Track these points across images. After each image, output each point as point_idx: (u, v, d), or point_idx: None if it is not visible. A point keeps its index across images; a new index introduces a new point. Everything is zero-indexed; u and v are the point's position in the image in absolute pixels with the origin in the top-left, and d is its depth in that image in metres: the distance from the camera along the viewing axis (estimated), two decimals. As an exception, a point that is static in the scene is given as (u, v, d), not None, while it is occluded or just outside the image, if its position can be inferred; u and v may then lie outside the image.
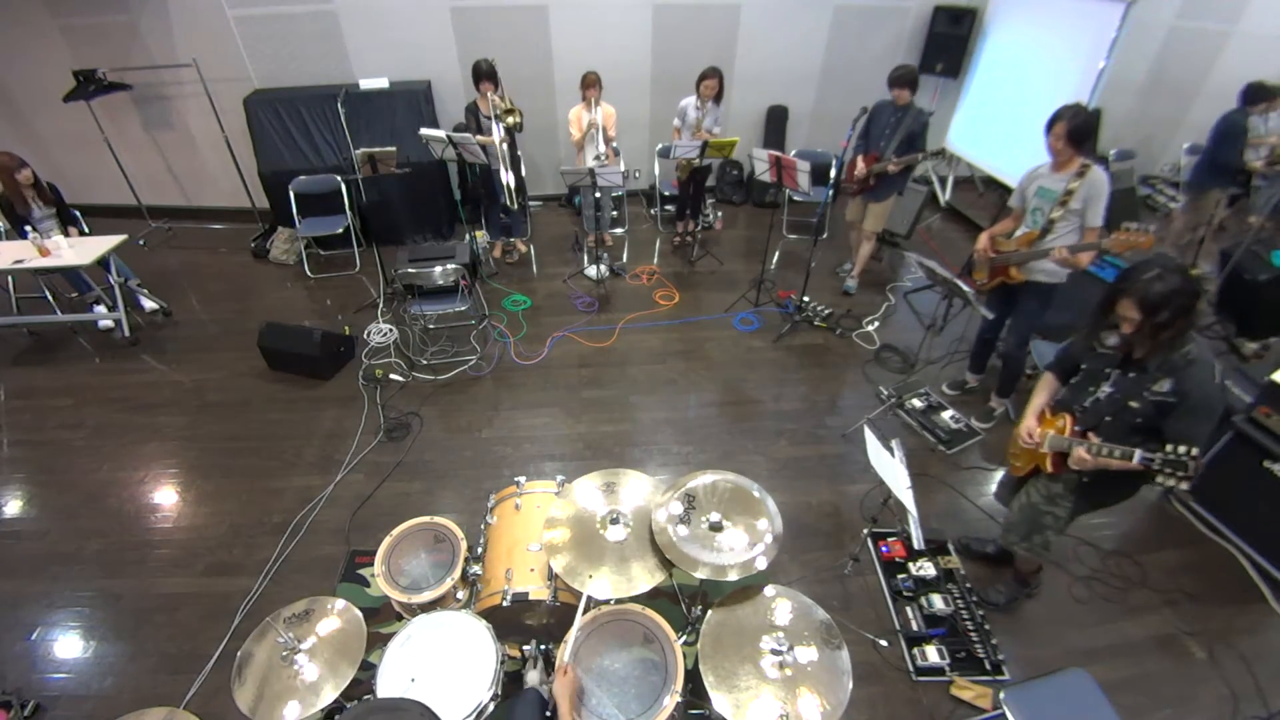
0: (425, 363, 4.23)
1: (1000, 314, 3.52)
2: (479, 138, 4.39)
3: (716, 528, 2.06)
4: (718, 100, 4.68)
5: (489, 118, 4.50)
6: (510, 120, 4.41)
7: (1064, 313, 3.37)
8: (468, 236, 4.95)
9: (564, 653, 1.84)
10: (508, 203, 4.70)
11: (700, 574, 1.94)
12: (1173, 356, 1.92)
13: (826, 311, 4.60)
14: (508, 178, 4.45)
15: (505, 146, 4.45)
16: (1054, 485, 2.30)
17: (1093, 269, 3.95)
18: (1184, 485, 1.86)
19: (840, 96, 5.91)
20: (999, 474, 3.42)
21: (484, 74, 4.41)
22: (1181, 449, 1.83)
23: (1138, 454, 1.91)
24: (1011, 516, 2.50)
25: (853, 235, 4.98)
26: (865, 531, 2.90)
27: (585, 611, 1.91)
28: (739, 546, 2.02)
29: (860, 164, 4.33)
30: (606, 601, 1.99)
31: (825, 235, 5.53)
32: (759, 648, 1.83)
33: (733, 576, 1.93)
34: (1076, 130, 2.75)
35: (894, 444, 2.62)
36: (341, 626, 1.99)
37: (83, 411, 3.96)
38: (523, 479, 2.50)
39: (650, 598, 2.00)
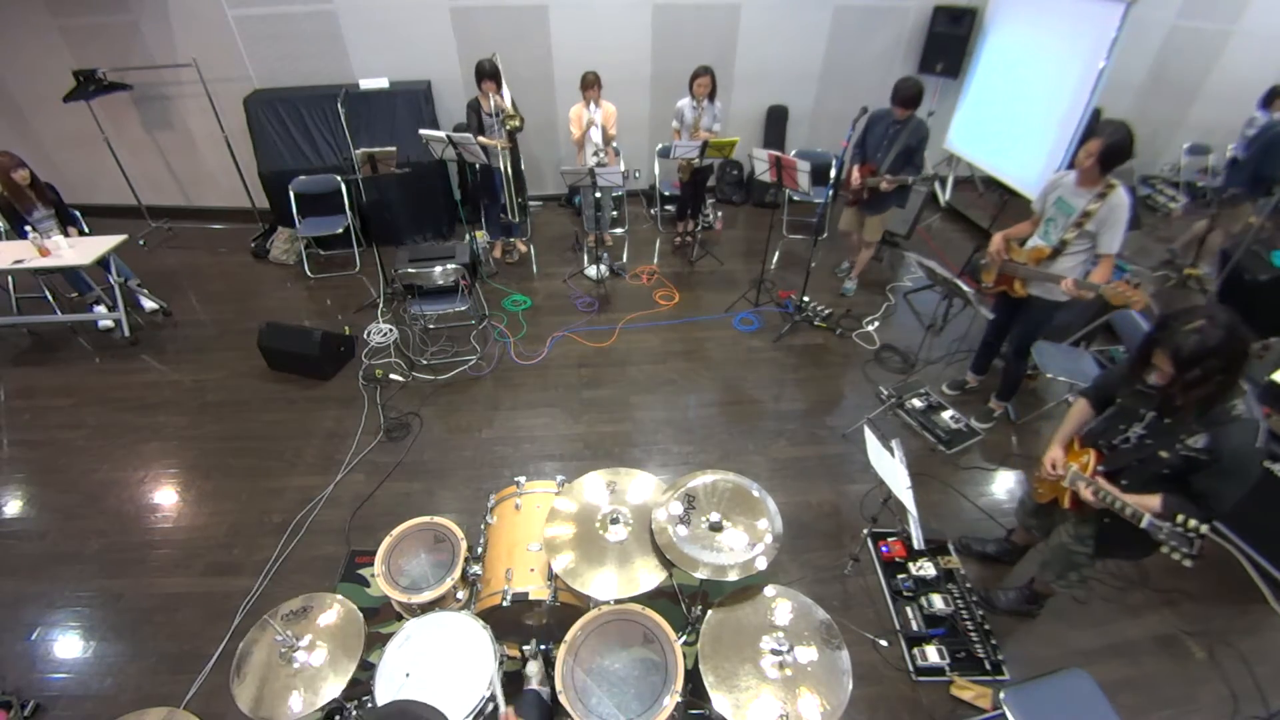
0: (425, 363, 4.23)
1: (1004, 318, 3.51)
2: (480, 139, 4.41)
3: (716, 528, 2.06)
4: (713, 98, 4.68)
5: (490, 115, 4.51)
6: (511, 124, 4.43)
7: (1065, 313, 3.36)
8: (468, 236, 4.95)
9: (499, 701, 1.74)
10: (509, 214, 4.73)
11: (700, 574, 1.94)
12: (1214, 410, 1.77)
13: (826, 311, 4.60)
14: (501, 143, 4.51)
15: (507, 152, 4.51)
16: (1082, 528, 2.22)
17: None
18: (1187, 563, 1.78)
19: (840, 96, 5.92)
20: (999, 474, 3.42)
21: (486, 73, 4.42)
22: (1191, 523, 1.74)
23: (1146, 519, 1.83)
24: (1045, 556, 2.45)
25: (845, 240, 4.98)
26: (865, 531, 2.90)
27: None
28: (739, 546, 2.02)
29: (855, 175, 4.26)
30: (606, 602, 1.99)
31: (825, 235, 5.52)
32: (759, 648, 1.83)
33: (733, 576, 1.93)
34: (1111, 150, 2.61)
35: (894, 444, 2.62)
36: (340, 624, 1.99)
37: (83, 411, 3.96)
38: (523, 479, 2.50)
39: (650, 598, 2.00)
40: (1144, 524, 1.84)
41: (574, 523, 2.16)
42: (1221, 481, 1.81)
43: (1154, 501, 1.88)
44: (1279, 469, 2.76)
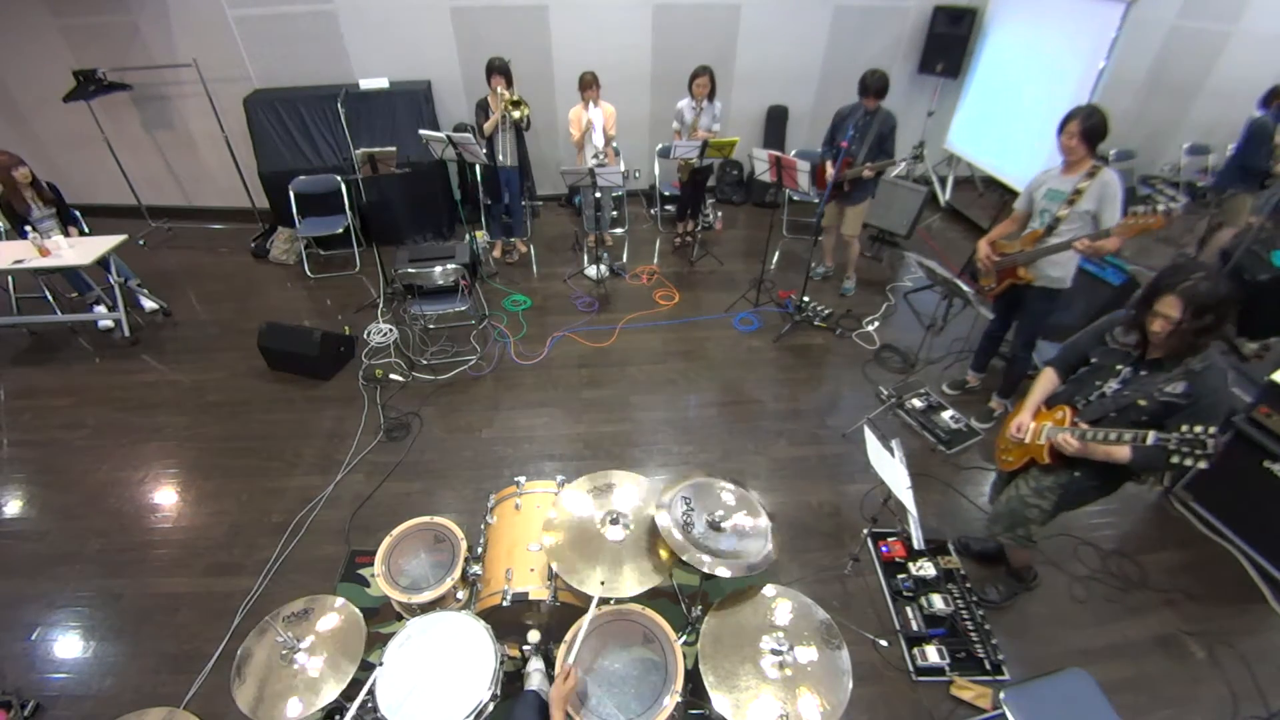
0: (425, 363, 4.23)
1: (1005, 316, 3.52)
2: (487, 124, 4.45)
3: (716, 527, 2.06)
4: (712, 98, 4.68)
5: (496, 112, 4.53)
6: (516, 114, 4.41)
7: (1067, 313, 3.36)
8: (468, 236, 4.95)
9: (566, 655, 1.82)
10: (510, 214, 4.70)
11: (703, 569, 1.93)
12: (1191, 359, 1.89)
13: (826, 311, 4.60)
14: (507, 140, 4.55)
15: (511, 137, 4.52)
16: (1044, 479, 2.31)
17: (1096, 271, 3.96)
18: (1203, 464, 1.82)
19: (840, 96, 5.82)
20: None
21: (496, 69, 4.45)
22: (1198, 428, 1.80)
23: (1152, 436, 1.89)
24: (998, 508, 2.52)
25: (828, 238, 4.98)
26: (865, 531, 2.90)
27: (592, 615, 1.90)
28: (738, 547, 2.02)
29: (829, 170, 4.23)
30: (608, 601, 1.98)
31: (825, 235, 5.53)
32: (759, 648, 1.83)
33: (730, 575, 1.92)
34: (1091, 129, 2.73)
35: (894, 444, 2.62)
36: (341, 625, 1.99)
37: (83, 411, 3.96)
38: (523, 479, 2.50)
39: (650, 598, 2.00)
40: (1151, 441, 1.89)
41: (571, 526, 2.15)
42: (1196, 421, 1.88)
43: (1124, 450, 1.98)
44: (1279, 469, 2.76)
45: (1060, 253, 2.95)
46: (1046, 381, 2.36)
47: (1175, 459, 1.86)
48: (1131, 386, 2.04)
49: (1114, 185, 2.78)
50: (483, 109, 4.65)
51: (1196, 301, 1.79)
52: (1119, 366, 2.08)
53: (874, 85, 3.97)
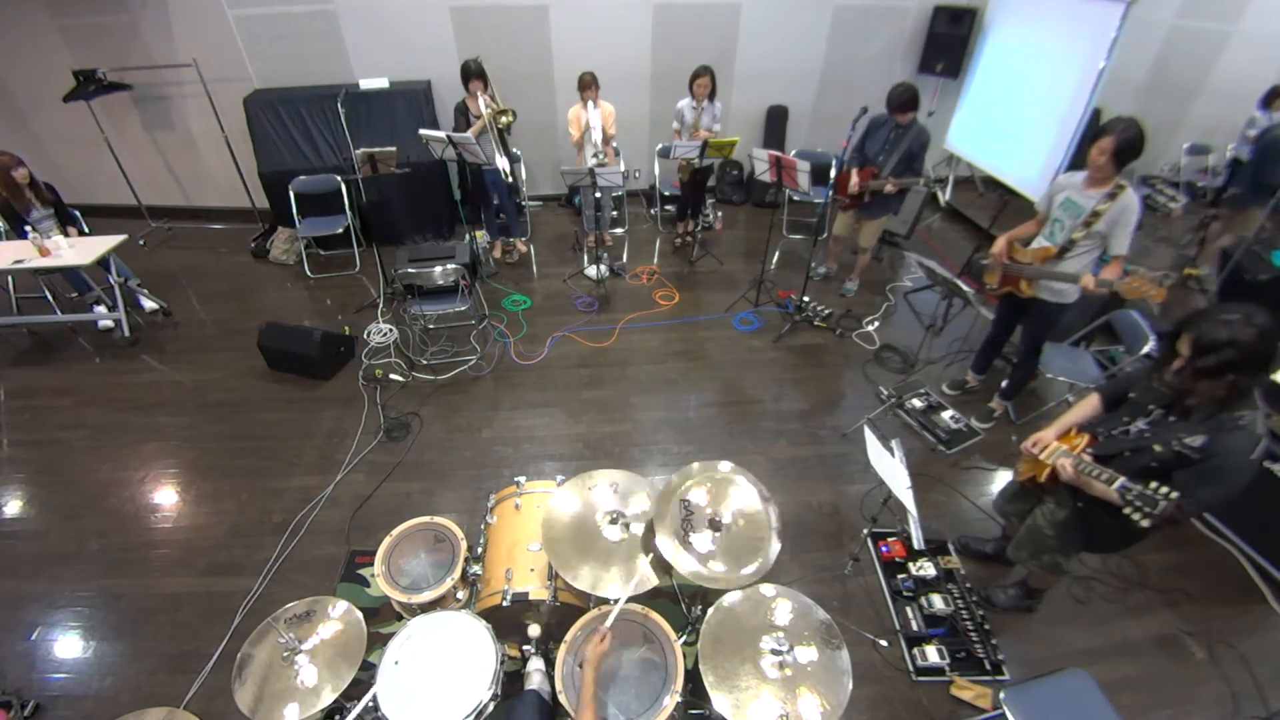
0: (425, 363, 4.23)
1: (1007, 320, 3.50)
2: (471, 131, 4.43)
3: (716, 527, 2.06)
4: (712, 98, 4.68)
5: (478, 117, 4.52)
6: (503, 121, 4.42)
7: (1067, 313, 3.35)
8: (468, 236, 4.95)
9: (602, 623, 1.81)
10: (506, 179, 4.66)
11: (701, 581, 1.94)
12: (1223, 415, 1.76)
13: (826, 311, 4.60)
14: (503, 164, 4.48)
15: (496, 141, 4.49)
16: (1058, 512, 2.24)
17: (1095, 273, 3.95)
18: (1145, 523, 1.74)
19: (840, 96, 5.91)
20: (999, 474, 3.42)
21: (473, 74, 4.43)
22: (1164, 489, 1.71)
23: (1120, 481, 1.82)
24: (1020, 534, 2.46)
25: (836, 245, 4.98)
26: (865, 531, 2.90)
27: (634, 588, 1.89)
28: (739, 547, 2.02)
29: (855, 178, 4.22)
30: (608, 601, 1.98)
31: (825, 235, 5.53)
32: (759, 648, 1.83)
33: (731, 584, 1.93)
34: (1125, 146, 2.59)
35: (894, 444, 2.62)
36: (342, 627, 1.99)
37: (83, 411, 3.96)
38: (523, 479, 2.51)
39: (650, 598, 2.00)
40: (1116, 486, 1.82)
41: (571, 525, 2.15)
42: (1202, 481, 1.79)
43: (1112, 492, 1.86)
44: (1279, 469, 2.76)
45: (1066, 280, 2.93)
46: (1089, 407, 2.24)
47: (1127, 510, 1.78)
48: (1155, 429, 1.93)
49: (1131, 210, 2.69)
50: (462, 113, 4.63)
51: (1200, 341, 1.70)
52: (1151, 406, 1.98)
53: (897, 100, 3.89)
